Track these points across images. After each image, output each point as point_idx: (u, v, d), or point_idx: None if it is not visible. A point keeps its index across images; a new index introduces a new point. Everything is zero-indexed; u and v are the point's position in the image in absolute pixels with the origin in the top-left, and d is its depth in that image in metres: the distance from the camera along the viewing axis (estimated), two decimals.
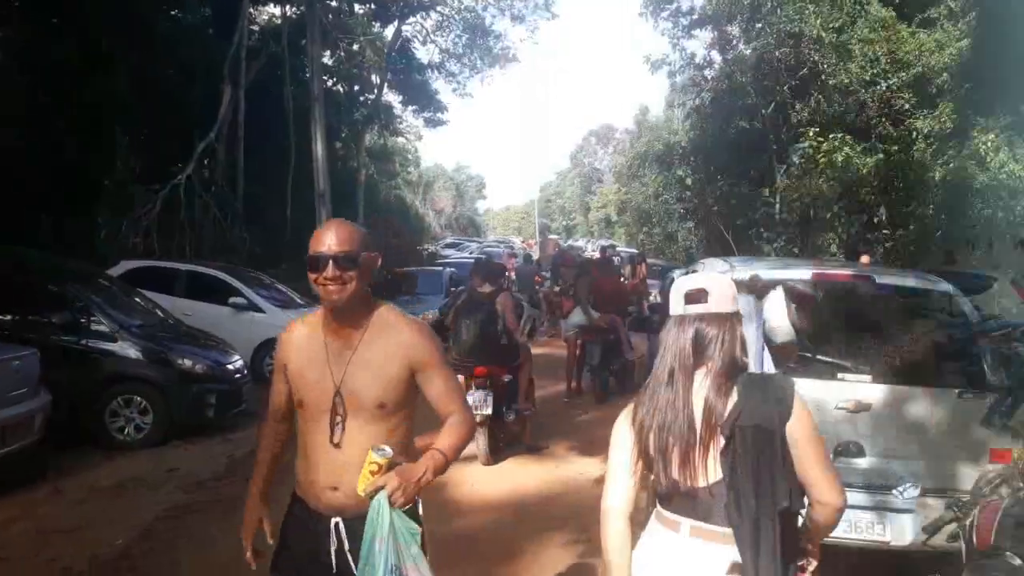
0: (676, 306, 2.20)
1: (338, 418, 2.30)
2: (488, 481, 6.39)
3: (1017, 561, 2.53)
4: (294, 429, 2.53)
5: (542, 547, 5.04)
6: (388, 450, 2.18)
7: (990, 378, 4.16)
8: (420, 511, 2.41)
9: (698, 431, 2.08)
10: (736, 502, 2.01)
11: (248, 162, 18.60)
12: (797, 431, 2.04)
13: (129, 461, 6.89)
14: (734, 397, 2.07)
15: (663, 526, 2.18)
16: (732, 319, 2.17)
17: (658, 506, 2.22)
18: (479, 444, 6.67)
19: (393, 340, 2.34)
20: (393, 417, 2.34)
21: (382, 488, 2.12)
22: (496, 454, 6.84)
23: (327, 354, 2.34)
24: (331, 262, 2.24)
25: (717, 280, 2.24)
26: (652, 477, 2.17)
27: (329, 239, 2.28)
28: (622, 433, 2.24)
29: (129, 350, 7.47)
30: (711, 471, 2.07)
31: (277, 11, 23.18)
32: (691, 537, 2.10)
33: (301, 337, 2.43)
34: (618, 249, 24.12)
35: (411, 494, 2.17)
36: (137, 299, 8.82)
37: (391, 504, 2.11)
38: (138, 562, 4.73)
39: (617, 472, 2.22)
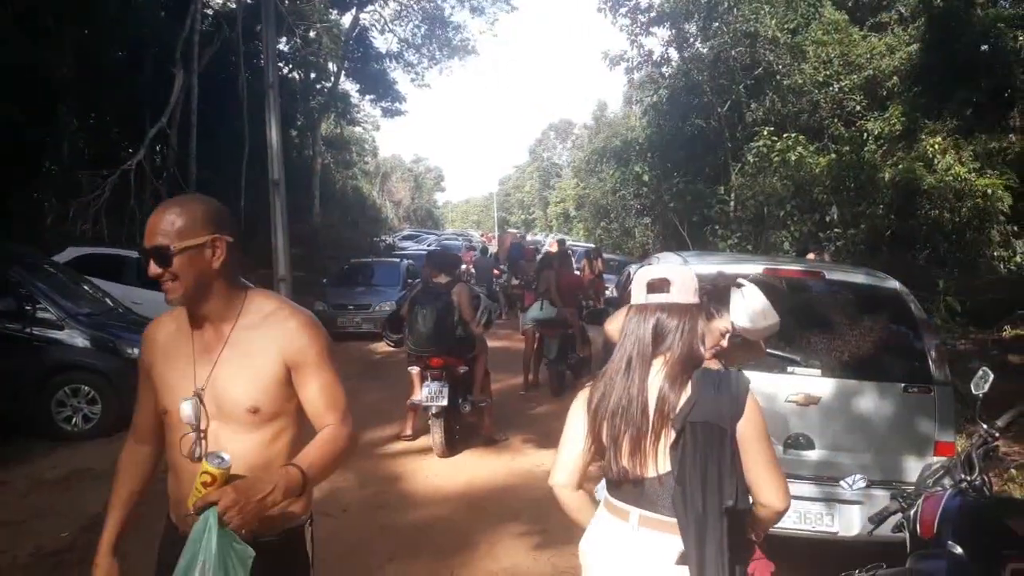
0: (638, 295, 2.20)
1: (200, 426, 1.97)
2: (444, 473, 6.38)
3: (958, 549, 2.61)
4: (162, 453, 2.16)
5: (497, 538, 5.05)
6: (226, 459, 1.85)
7: (934, 373, 4.28)
8: (310, 546, 2.12)
9: (651, 420, 2.09)
10: (683, 496, 2.02)
11: (201, 149, 18.25)
12: (747, 431, 2.05)
13: (76, 452, 6.73)
14: (688, 390, 2.07)
15: (612, 515, 2.19)
16: (693, 310, 2.17)
17: (607, 494, 2.23)
18: (435, 436, 6.65)
19: (268, 332, 2.00)
20: (271, 424, 2.00)
21: (214, 504, 1.76)
22: (452, 446, 6.83)
23: (192, 352, 2.01)
24: (149, 259, 1.92)
25: (680, 271, 2.24)
26: (603, 463, 2.19)
27: (148, 229, 1.93)
28: (576, 416, 2.25)
29: (76, 338, 7.29)
30: (661, 461, 2.08)
31: None
32: (640, 527, 2.11)
33: (167, 334, 2.08)
34: (568, 244, 24.18)
35: (250, 514, 1.76)
36: (85, 286, 8.61)
37: (223, 524, 1.75)
38: (85, 554, 4.59)
39: (566, 451, 2.26)
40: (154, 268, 1.91)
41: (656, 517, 2.09)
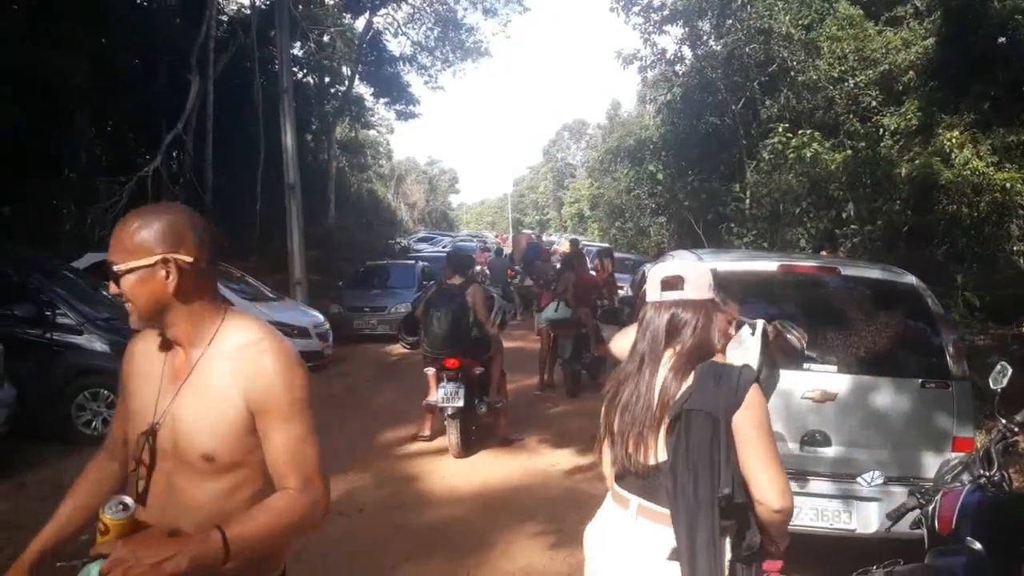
0: (653, 292, 2.23)
1: (143, 468, 1.73)
2: (460, 473, 6.39)
3: (977, 545, 2.59)
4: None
5: (513, 538, 5.06)
6: (129, 506, 1.59)
7: (952, 368, 4.24)
8: None
9: (653, 410, 2.12)
10: (674, 483, 2.04)
11: (217, 154, 18.39)
12: (742, 423, 2.03)
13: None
14: (690, 380, 2.09)
15: (615, 503, 2.24)
16: (707, 306, 2.20)
17: (614, 483, 2.27)
18: (451, 437, 6.67)
19: (236, 368, 1.70)
20: (229, 475, 1.71)
21: (103, 557, 1.52)
22: (468, 447, 6.84)
23: (162, 377, 1.76)
24: (110, 277, 1.71)
25: (694, 268, 2.27)
26: (613, 453, 2.24)
27: (110, 243, 1.71)
28: (603, 414, 2.32)
29: (96, 343, 7.34)
30: (660, 451, 2.10)
31: (246, 0, 22.94)
32: (638, 516, 2.14)
33: (148, 348, 1.83)
34: (582, 243, 24.16)
35: None
36: (103, 292, 8.68)
37: None
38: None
39: (604, 447, 2.36)
40: (112, 287, 1.71)
41: (654, 508, 2.11)
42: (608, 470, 2.36)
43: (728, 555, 2.07)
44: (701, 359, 2.13)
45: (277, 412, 1.69)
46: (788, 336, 2.93)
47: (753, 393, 2.05)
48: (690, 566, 1.99)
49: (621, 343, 2.39)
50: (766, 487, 2.03)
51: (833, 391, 4.19)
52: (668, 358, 2.16)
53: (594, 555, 2.29)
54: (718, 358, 2.26)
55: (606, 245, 23.05)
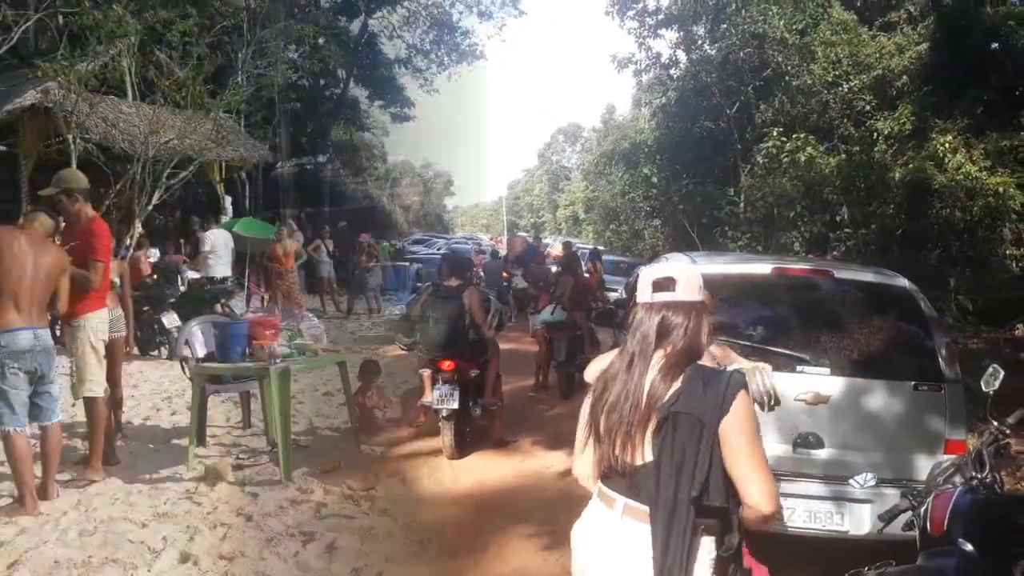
0: (644, 294, 2.24)
1: None
2: (453, 475, 6.37)
3: (969, 547, 2.60)
4: None
5: (506, 539, 5.05)
6: None
7: (945, 371, 4.26)
8: None
9: (640, 411, 2.12)
10: (656, 485, 2.05)
11: None
12: (730, 427, 2.03)
13: None
14: (679, 383, 2.10)
15: (601, 502, 2.25)
16: (698, 308, 2.20)
17: (600, 482, 2.28)
18: (445, 438, 6.65)
19: None
20: None
21: None
22: (462, 448, 6.82)
23: None
24: None
25: (685, 270, 2.28)
26: (599, 453, 2.24)
27: None
28: (584, 412, 2.32)
29: None
30: (646, 451, 2.11)
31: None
32: (623, 516, 2.15)
33: None
34: (577, 246, 24.08)
35: None
36: None
37: None
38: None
39: (580, 446, 2.35)
40: None
41: (639, 507, 2.12)
42: (583, 472, 2.34)
43: (712, 554, 2.08)
44: (691, 360, 2.14)
45: None
46: (760, 390, 2.94)
47: (741, 399, 2.06)
48: (661, 560, 2.02)
49: (596, 367, 2.38)
50: (756, 492, 2.02)
51: (826, 393, 4.20)
52: (658, 359, 2.16)
53: (581, 554, 2.30)
54: (705, 359, 2.27)
55: (594, 247, 23.08)
